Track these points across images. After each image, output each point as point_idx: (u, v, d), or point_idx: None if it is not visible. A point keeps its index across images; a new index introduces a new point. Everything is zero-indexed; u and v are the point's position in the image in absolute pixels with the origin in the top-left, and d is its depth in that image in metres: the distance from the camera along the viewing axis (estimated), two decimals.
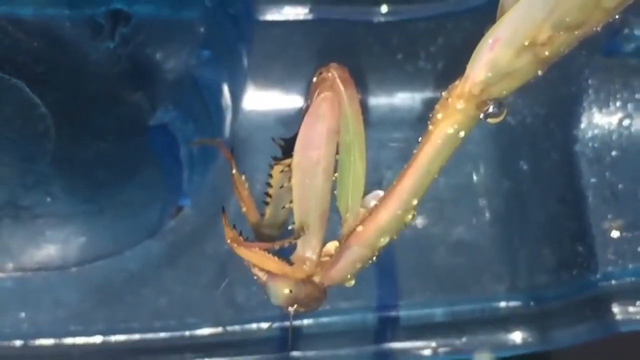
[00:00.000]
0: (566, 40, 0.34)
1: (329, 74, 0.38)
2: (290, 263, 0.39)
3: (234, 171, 0.40)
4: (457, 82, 0.37)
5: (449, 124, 0.37)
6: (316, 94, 0.38)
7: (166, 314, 0.52)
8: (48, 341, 0.51)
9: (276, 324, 0.51)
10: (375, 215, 0.38)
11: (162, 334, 0.52)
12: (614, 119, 0.51)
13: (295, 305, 0.40)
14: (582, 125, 0.51)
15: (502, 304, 0.52)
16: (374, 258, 0.39)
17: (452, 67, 0.48)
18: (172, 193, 0.51)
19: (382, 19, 0.50)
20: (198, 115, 0.47)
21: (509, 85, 0.36)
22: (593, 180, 0.51)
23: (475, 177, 0.52)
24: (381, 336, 0.52)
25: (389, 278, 0.52)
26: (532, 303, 0.52)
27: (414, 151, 0.37)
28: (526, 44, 0.34)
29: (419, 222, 0.52)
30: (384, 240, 0.39)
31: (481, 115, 0.37)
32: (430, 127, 0.37)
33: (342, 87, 0.37)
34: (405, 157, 0.38)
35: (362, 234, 0.39)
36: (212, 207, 0.52)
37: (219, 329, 0.52)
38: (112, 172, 0.46)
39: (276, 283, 0.39)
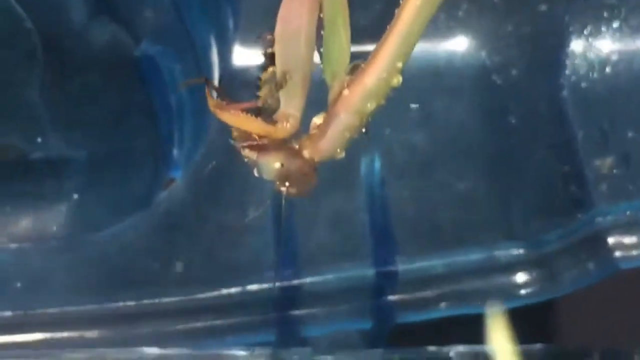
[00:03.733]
0: None
1: None
2: (274, 123, 0.39)
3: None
4: None
5: None
6: None
7: (164, 281, 0.51)
8: (45, 311, 0.50)
9: (277, 284, 0.51)
10: (360, 78, 0.39)
11: (161, 300, 0.51)
12: (598, 61, 0.52)
13: (287, 184, 0.39)
14: (567, 72, 0.52)
15: (502, 252, 0.51)
16: (362, 127, 0.39)
17: None
18: (163, 155, 0.51)
19: None
20: (185, 57, 0.48)
21: None
22: (581, 122, 0.51)
23: (464, 135, 0.52)
24: (380, 291, 0.51)
25: (386, 235, 0.52)
26: (531, 249, 0.51)
27: (396, 10, 0.38)
28: None
29: (411, 179, 0.52)
30: (370, 105, 0.39)
31: None
32: None
33: None
34: None
35: (348, 98, 0.39)
36: (205, 181, 0.52)
37: (218, 292, 0.51)
38: (102, 110, 0.47)
39: (266, 157, 0.39)
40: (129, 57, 0.46)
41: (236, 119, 0.39)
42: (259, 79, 0.42)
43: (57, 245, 0.50)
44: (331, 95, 0.40)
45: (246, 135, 0.40)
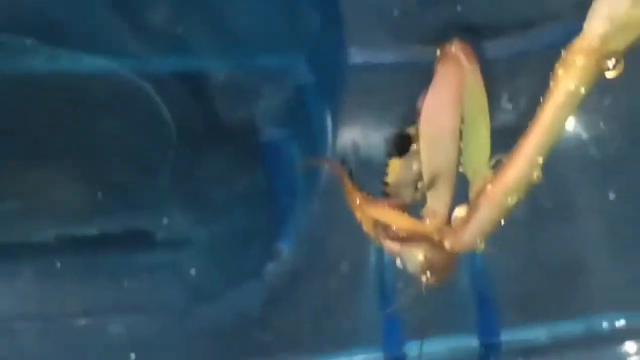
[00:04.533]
0: None
1: (452, 48, 0.40)
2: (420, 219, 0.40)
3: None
4: (576, 40, 0.39)
5: (569, 80, 0.39)
6: (440, 65, 0.40)
7: (273, 351, 0.52)
8: None
9: (382, 354, 0.52)
10: (502, 174, 0.40)
11: None
12: None
13: (429, 274, 0.41)
14: None
15: (606, 323, 0.52)
16: (503, 219, 0.41)
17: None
18: (275, 230, 0.52)
19: None
20: (304, 138, 0.49)
21: (627, 37, 0.38)
22: None
23: (566, 207, 0.54)
24: None
25: (489, 306, 0.53)
26: (635, 320, 0.52)
27: (537, 109, 0.39)
28: None
29: (513, 250, 0.53)
30: (511, 200, 0.40)
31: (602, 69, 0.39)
32: (552, 84, 0.39)
33: (464, 59, 0.40)
34: None
35: (490, 193, 0.40)
36: (311, 251, 0.54)
37: None
38: (225, 193, 0.48)
39: (411, 249, 0.40)
40: (254, 142, 0.47)
41: (384, 214, 0.40)
42: (386, 164, 0.43)
43: (172, 317, 0.51)
44: (473, 190, 0.41)
45: (385, 228, 0.41)
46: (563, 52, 0.39)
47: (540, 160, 0.40)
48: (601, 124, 0.54)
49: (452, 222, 0.41)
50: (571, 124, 0.54)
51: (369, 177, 0.46)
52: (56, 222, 0.49)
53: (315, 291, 0.53)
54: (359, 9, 0.47)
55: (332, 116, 0.50)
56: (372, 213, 0.40)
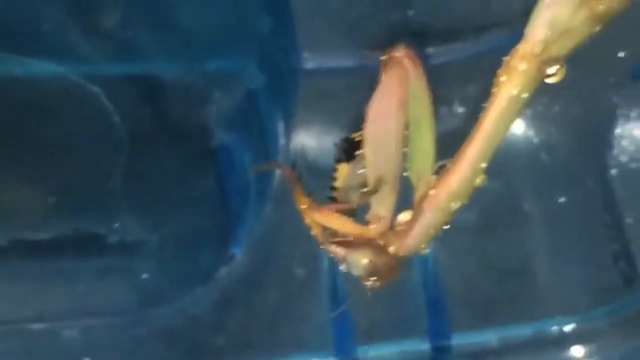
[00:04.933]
0: None
1: (398, 54, 0.41)
2: (365, 223, 0.41)
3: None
4: (518, 46, 0.40)
5: (512, 86, 0.40)
6: (385, 71, 0.41)
7: (225, 354, 0.52)
8: None
9: (333, 358, 0.52)
10: (446, 179, 0.41)
11: None
12: None
13: (374, 278, 0.41)
14: (615, 152, 0.54)
15: (554, 327, 0.53)
16: (446, 224, 0.41)
17: None
18: (228, 235, 0.52)
19: None
20: (255, 142, 0.50)
21: (568, 44, 0.39)
22: (629, 201, 0.53)
23: (514, 213, 0.54)
24: None
25: (440, 310, 0.53)
26: (582, 324, 0.53)
27: (480, 115, 0.40)
28: None
29: (463, 256, 0.54)
30: (455, 205, 0.41)
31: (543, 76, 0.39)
32: (495, 90, 0.40)
33: (409, 65, 0.40)
34: None
35: (434, 198, 0.41)
36: (263, 255, 0.54)
37: None
38: (177, 197, 0.48)
39: (356, 254, 0.41)
40: (206, 145, 0.47)
41: (329, 219, 0.41)
42: (335, 169, 0.44)
43: (124, 320, 0.51)
44: (417, 195, 0.42)
45: (332, 232, 0.42)
46: (505, 58, 0.39)
47: (484, 165, 0.40)
48: (552, 129, 0.54)
49: (397, 226, 0.41)
50: (522, 130, 0.54)
51: (319, 182, 0.46)
52: (8, 227, 0.49)
53: (267, 295, 0.53)
54: (311, 13, 0.47)
55: (284, 120, 0.51)
56: (317, 218, 0.40)
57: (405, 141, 0.40)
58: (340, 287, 0.53)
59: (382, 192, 0.40)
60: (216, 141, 0.49)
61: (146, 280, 0.50)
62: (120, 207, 0.47)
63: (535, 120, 0.54)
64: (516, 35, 0.40)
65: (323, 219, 0.40)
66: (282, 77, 0.50)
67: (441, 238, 0.51)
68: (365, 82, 0.45)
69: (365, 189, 0.40)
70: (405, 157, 0.41)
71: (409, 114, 0.40)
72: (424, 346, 0.53)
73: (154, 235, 0.49)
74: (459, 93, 0.54)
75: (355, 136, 0.42)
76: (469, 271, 0.54)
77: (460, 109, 0.54)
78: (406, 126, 0.41)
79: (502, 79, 0.39)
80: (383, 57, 0.41)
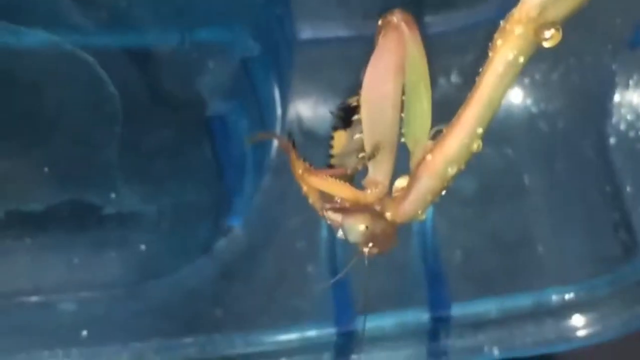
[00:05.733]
0: None
1: (394, 17, 0.40)
2: (362, 189, 0.40)
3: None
4: (514, 10, 0.39)
5: (508, 50, 0.39)
6: (381, 35, 0.40)
7: (223, 326, 0.52)
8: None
9: (334, 329, 0.52)
10: (442, 144, 0.40)
11: (221, 346, 0.52)
12: None
13: (371, 245, 0.41)
14: (614, 120, 0.53)
15: (553, 297, 0.53)
16: (444, 190, 0.41)
17: None
18: (225, 206, 0.52)
19: None
20: (251, 112, 0.49)
21: (564, 7, 0.38)
22: (628, 170, 0.53)
23: (513, 182, 0.54)
24: (435, 335, 0.53)
25: (439, 281, 0.53)
26: (582, 293, 0.52)
27: (476, 79, 0.39)
28: None
29: (463, 226, 0.54)
30: (451, 170, 0.40)
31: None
32: (491, 54, 0.39)
33: (406, 29, 0.40)
34: None
35: (430, 164, 0.40)
36: (262, 227, 0.54)
37: (277, 338, 0.52)
38: (173, 167, 0.48)
39: (352, 219, 0.40)
40: (201, 115, 0.47)
41: (326, 184, 0.40)
42: (332, 137, 0.44)
43: (122, 293, 0.51)
44: (413, 160, 0.41)
45: (329, 199, 0.42)
46: (502, 22, 0.39)
47: (480, 130, 0.40)
48: (550, 98, 0.54)
49: (393, 193, 0.41)
50: (520, 99, 0.54)
51: (317, 150, 0.46)
52: (2, 198, 0.48)
53: (266, 267, 0.53)
54: None
55: (280, 89, 0.50)
56: (313, 183, 0.39)
57: (402, 106, 0.40)
58: (339, 258, 0.52)
59: (379, 157, 0.40)
60: (211, 111, 0.49)
61: (144, 252, 0.50)
62: (116, 178, 0.46)
63: (533, 88, 0.54)
64: (512, 5, 0.40)
65: (319, 183, 0.40)
66: (277, 46, 0.50)
67: (440, 209, 0.51)
68: (360, 51, 0.45)
69: (362, 154, 0.40)
70: (402, 122, 0.40)
71: (406, 78, 0.40)
72: (424, 317, 0.53)
73: (151, 206, 0.49)
74: (455, 63, 0.53)
75: (352, 101, 0.41)
76: (469, 242, 0.53)
77: (457, 79, 0.53)
78: (403, 91, 0.40)
79: (498, 42, 0.39)
80: (379, 21, 0.40)
